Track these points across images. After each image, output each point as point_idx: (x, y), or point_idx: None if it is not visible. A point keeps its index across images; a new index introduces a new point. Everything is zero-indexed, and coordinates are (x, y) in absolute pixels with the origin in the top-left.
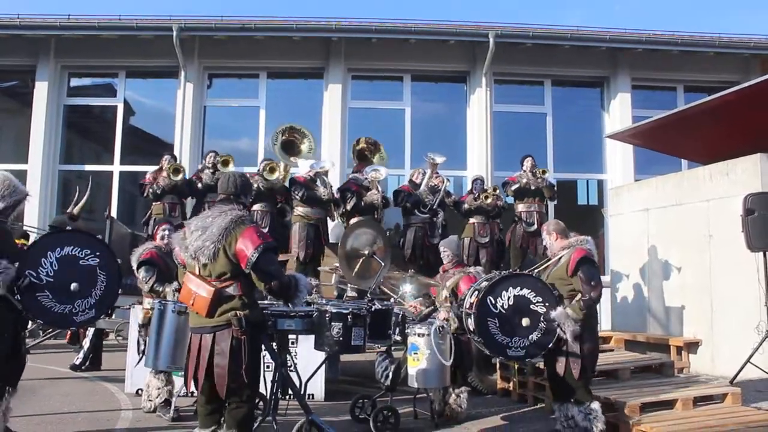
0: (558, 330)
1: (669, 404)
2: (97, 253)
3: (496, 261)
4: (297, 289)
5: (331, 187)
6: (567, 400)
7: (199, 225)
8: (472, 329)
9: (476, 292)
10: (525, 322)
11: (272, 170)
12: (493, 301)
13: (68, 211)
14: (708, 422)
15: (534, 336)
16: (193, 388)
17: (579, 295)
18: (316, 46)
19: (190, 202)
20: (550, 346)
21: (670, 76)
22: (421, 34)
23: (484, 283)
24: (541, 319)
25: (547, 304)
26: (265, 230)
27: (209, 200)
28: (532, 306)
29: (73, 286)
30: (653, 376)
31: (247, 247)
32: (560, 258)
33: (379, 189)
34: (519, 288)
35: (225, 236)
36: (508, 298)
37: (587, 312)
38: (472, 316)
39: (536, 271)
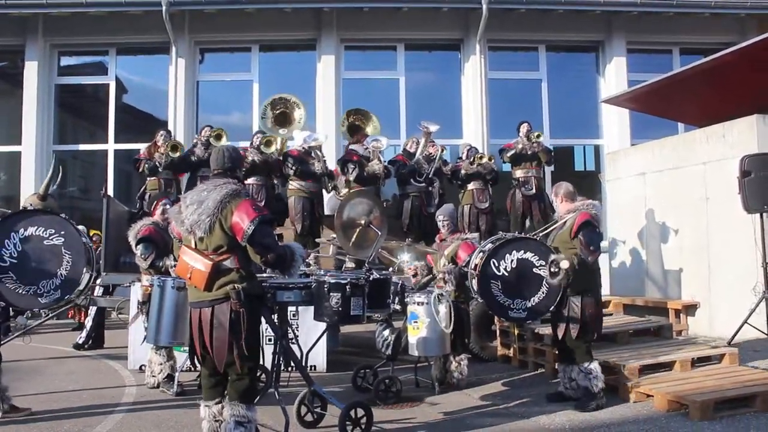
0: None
1: (668, 366)
2: (62, 233)
3: (495, 227)
4: (293, 259)
5: (325, 161)
6: (571, 362)
7: (194, 199)
8: (475, 290)
9: (481, 254)
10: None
11: (269, 143)
12: (497, 264)
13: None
14: (706, 383)
15: (536, 298)
16: (196, 361)
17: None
18: (307, 17)
19: (185, 176)
20: (551, 309)
21: (665, 39)
22: (413, 2)
23: (489, 245)
24: (544, 282)
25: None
26: (261, 204)
27: (202, 174)
28: (534, 269)
29: (33, 265)
30: (652, 339)
31: (242, 220)
32: (565, 222)
33: (381, 159)
34: (522, 251)
35: (221, 209)
36: (512, 261)
37: (588, 277)
38: (476, 278)
39: (540, 234)
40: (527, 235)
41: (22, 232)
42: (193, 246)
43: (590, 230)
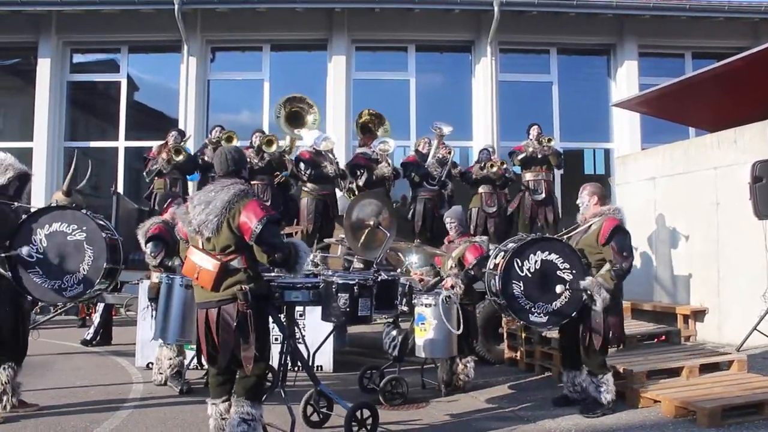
0: (586, 299)
1: (675, 372)
2: (84, 228)
3: (503, 231)
4: (298, 256)
5: (338, 163)
6: (577, 368)
7: (202, 199)
8: (494, 291)
9: (502, 253)
10: (559, 289)
11: (270, 143)
12: (520, 264)
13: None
14: (714, 389)
15: (557, 303)
16: (203, 361)
17: (608, 264)
18: (319, 17)
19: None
20: (573, 315)
21: (677, 43)
22: (424, 3)
23: (511, 245)
24: (567, 287)
25: (574, 271)
26: (267, 203)
27: (213, 175)
28: (558, 272)
29: (58, 260)
30: (660, 345)
31: (250, 220)
32: (590, 225)
33: (389, 161)
34: (547, 252)
35: (228, 209)
36: (536, 261)
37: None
38: (497, 278)
39: (565, 237)
40: (552, 236)
41: (47, 228)
42: (200, 246)
43: (622, 237)
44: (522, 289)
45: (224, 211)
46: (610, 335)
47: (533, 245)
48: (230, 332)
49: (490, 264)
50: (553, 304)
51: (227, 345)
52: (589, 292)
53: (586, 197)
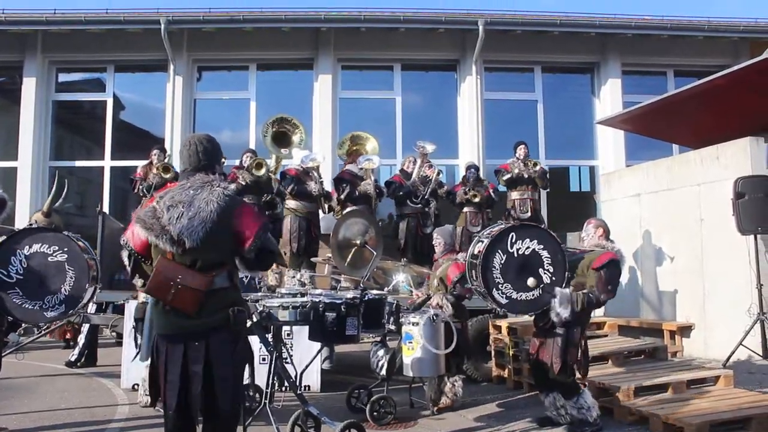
0: (549, 304)
1: (663, 388)
2: (65, 249)
3: None
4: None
5: (322, 182)
6: (551, 390)
7: (177, 199)
8: (476, 253)
9: (501, 225)
10: (531, 282)
11: (259, 166)
12: (513, 240)
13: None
14: (701, 405)
15: (523, 296)
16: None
17: (588, 289)
18: (305, 37)
19: None
20: (530, 315)
21: (659, 61)
22: (410, 22)
23: (514, 222)
24: (540, 284)
25: (553, 278)
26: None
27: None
28: (540, 270)
29: (38, 281)
30: (647, 361)
31: (249, 227)
32: (586, 252)
33: (373, 178)
34: (542, 247)
35: (218, 213)
36: (527, 247)
37: (582, 311)
38: (485, 241)
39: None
40: (557, 239)
41: (27, 249)
42: (171, 258)
43: (614, 271)
44: (501, 262)
45: (214, 216)
46: (569, 362)
47: (535, 231)
48: (228, 368)
49: (485, 231)
50: (519, 293)
51: (227, 384)
52: (555, 300)
53: (591, 230)
